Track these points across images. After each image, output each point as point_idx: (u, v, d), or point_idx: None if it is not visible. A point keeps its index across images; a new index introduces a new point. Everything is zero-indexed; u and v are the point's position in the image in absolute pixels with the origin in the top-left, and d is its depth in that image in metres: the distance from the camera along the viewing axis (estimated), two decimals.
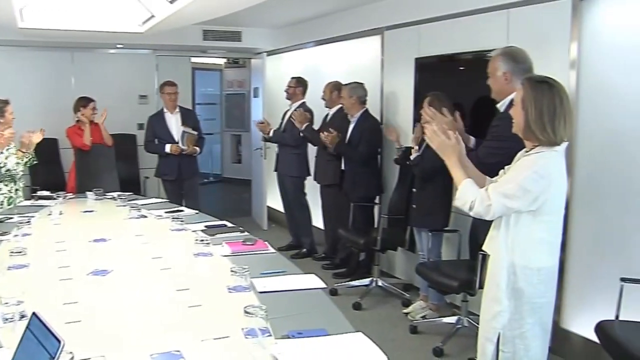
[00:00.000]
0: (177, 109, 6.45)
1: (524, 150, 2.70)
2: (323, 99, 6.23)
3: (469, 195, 2.65)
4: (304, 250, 6.68)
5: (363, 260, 5.87)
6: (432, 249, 4.66)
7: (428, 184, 4.60)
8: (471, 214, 2.67)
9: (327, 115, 6.25)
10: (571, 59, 3.85)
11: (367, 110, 5.70)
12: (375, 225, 5.70)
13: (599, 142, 3.75)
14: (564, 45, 3.88)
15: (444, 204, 4.56)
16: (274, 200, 7.91)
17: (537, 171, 2.55)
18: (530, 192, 2.54)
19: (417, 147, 4.65)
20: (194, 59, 8.83)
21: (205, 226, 3.87)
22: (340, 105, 5.93)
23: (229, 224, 3.98)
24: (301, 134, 6.06)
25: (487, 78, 3.51)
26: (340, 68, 6.64)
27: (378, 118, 5.83)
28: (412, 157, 4.68)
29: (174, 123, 6.38)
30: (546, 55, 4.03)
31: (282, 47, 7.95)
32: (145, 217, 4.27)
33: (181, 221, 3.91)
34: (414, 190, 4.78)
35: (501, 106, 3.45)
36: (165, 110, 6.45)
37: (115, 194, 5.07)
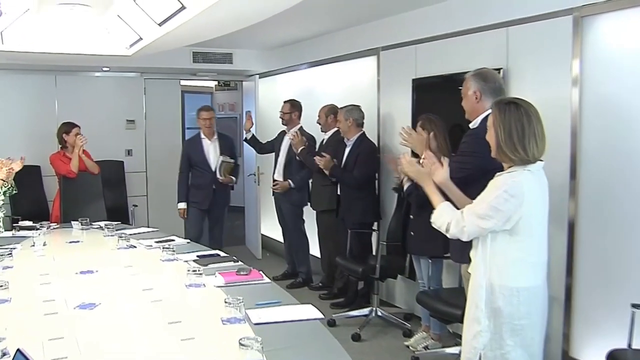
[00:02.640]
0: (215, 135, 6.28)
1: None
2: (318, 122, 6.10)
3: (446, 217, 2.78)
4: (300, 279, 6.49)
5: (362, 289, 5.70)
6: (432, 277, 4.51)
7: (425, 210, 4.44)
8: (448, 235, 2.78)
9: (322, 139, 6.12)
10: (573, 76, 3.76)
11: (364, 134, 5.58)
12: (374, 253, 5.55)
13: (604, 162, 3.65)
14: (566, 62, 3.79)
15: None
16: (268, 228, 7.73)
17: (507, 190, 2.61)
18: (502, 212, 2.61)
19: (407, 177, 4.52)
20: (183, 82, 8.59)
21: (198, 256, 3.79)
22: (335, 129, 5.81)
23: (222, 254, 3.90)
24: (297, 158, 5.92)
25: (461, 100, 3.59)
26: (335, 90, 6.53)
27: (374, 140, 5.71)
28: (404, 188, 4.54)
29: (212, 150, 6.23)
30: (547, 72, 3.99)
31: (275, 68, 7.85)
32: (135, 247, 4.14)
33: (172, 251, 3.78)
34: (411, 217, 4.65)
35: (473, 125, 3.53)
36: (202, 136, 6.27)
37: (102, 224, 4.89)
